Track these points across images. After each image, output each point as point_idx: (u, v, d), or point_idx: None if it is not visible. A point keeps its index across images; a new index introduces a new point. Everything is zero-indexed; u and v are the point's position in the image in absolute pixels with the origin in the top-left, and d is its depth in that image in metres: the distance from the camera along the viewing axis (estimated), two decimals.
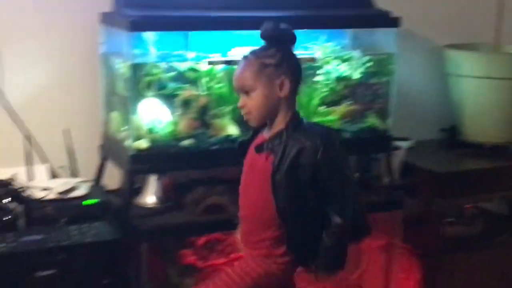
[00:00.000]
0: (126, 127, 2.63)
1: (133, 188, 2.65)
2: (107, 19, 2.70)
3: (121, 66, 2.61)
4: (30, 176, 2.66)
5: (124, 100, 2.64)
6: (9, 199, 2.39)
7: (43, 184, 2.56)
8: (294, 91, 2.19)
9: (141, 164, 2.58)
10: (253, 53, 2.18)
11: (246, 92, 2.17)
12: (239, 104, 2.20)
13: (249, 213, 2.25)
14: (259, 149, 2.20)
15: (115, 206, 2.62)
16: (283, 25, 2.17)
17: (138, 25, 2.48)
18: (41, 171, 2.73)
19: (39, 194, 2.48)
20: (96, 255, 2.38)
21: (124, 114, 2.66)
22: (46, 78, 2.80)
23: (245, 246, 2.28)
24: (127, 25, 2.46)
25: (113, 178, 2.83)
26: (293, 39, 2.19)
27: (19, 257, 2.27)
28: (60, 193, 2.51)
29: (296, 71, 2.20)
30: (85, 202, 2.51)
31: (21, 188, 2.47)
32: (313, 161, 2.10)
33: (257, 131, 2.25)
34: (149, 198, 2.73)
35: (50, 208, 2.45)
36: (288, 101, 2.18)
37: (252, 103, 2.17)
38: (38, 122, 2.78)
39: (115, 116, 2.73)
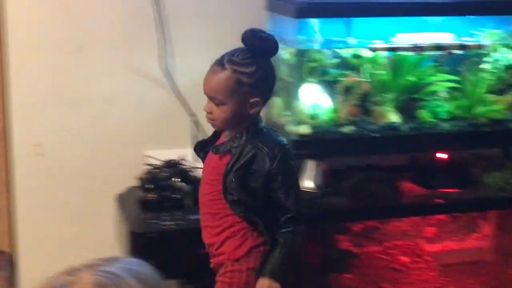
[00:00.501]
0: (288, 112, 2.67)
1: None
2: (273, 5, 2.75)
3: (285, 52, 2.66)
4: (196, 157, 2.77)
5: (287, 86, 2.68)
6: (178, 178, 2.52)
7: None
8: (264, 105, 2.14)
9: (302, 149, 2.61)
10: (231, 63, 2.08)
11: (216, 102, 2.10)
12: (206, 108, 2.13)
13: (202, 211, 2.18)
14: (215, 149, 2.15)
15: None
16: (266, 34, 2.10)
17: (304, 12, 2.51)
18: None
19: None
20: None
21: (287, 99, 2.70)
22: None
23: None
24: (293, 12, 2.50)
25: None
26: (275, 50, 2.12)
27: (186, 234, 2.39)
28: None
29: (270, 87, 2.15)
30: None
31: (189, 168, 2.58)
32: (267, 168, 2.06)
33: (218, 132, 2.20)
34: (307, 183, 2.77)
35: None
36: (257, 115, 2.14)
37: (219, 114, 2.10)
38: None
39: (277, 101, 2.79)
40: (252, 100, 2.07)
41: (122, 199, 2.66)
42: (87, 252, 1.56)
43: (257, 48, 2.08)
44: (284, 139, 2.15)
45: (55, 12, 2.71)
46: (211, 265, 2.18)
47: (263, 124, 2.16)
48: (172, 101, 2.84)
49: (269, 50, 2.11)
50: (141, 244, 2.36)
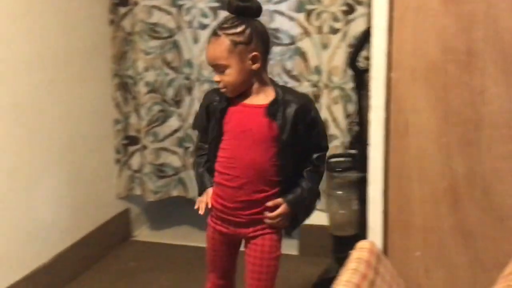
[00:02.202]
0: None
1: None
2: None
3: None
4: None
5: None
6: None
7: None
8: (265, 59, 2.44)
9: None
10: (222, 29, 2.38)
11: (221, 69, 2.38)
12: (215, 79, 2.43)
13: (248, 175, 2.46)
14: (269, 115, 2.42)
15: None
16: None
17: None
18: None
19: None
20: None
21: None
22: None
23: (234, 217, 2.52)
24: None
25: None
26: (259, 12, 2.42)
27: None
28: None
29: (265, 42, 2.43)
30: None
31: None
32: (309, 117, 2.47)
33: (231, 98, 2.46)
34: None
35: None
36: (261, 70, 2.44)
37: (227, 79, 2.39)
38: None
39: None
40: (250, 56, 2.38)
41: None
42: None
43: (242, 9, 2.38)
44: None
45: None
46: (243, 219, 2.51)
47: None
48: None
49: (254, 10, 2.41)
50: None
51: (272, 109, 2.46)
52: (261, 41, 2.44)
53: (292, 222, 2.60)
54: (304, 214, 2.65)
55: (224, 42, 2.38)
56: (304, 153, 2.55)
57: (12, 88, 3.29)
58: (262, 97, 2.49)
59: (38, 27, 3.44)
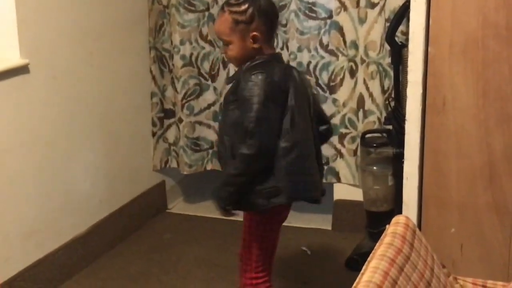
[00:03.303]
0: None
1: None
2: None
3: None
4: None
5: None
6: None
7: None
8: (268, 37, 2.48)
9: None
10: (228, 6, 2.43)
11: (225, 43, 2.47)
12: (222, 50, 2.58)
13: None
14: (227, 80, 2.55)
15: None
16: None
17: None
18: None
19: None
20: None
21: None
22: None
23: None
24: None
25: None
26: None
27: None
28: None
29: (269, 20, 2.45)
30: None
31: None
32: (239, 91, 2.41)
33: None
34: None
35: None
36: (264, 46, 2.47)
37: (230, 53, 2.48)
38: None
39: None
40: (251, 35, 2.42)
41: None
42: None
43: None
44: (274, 70, 2.41)
45: None
46: None
47: (266, 57, 2.45)
48: None
49: None
50: None
51: (232, 77, 2.58)
52: (264, 20, 2.45)
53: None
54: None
55: (227, 19, 2.44)
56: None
57: (51, 60, 3.32)
58: None
59: (77, 0, 3.47)
